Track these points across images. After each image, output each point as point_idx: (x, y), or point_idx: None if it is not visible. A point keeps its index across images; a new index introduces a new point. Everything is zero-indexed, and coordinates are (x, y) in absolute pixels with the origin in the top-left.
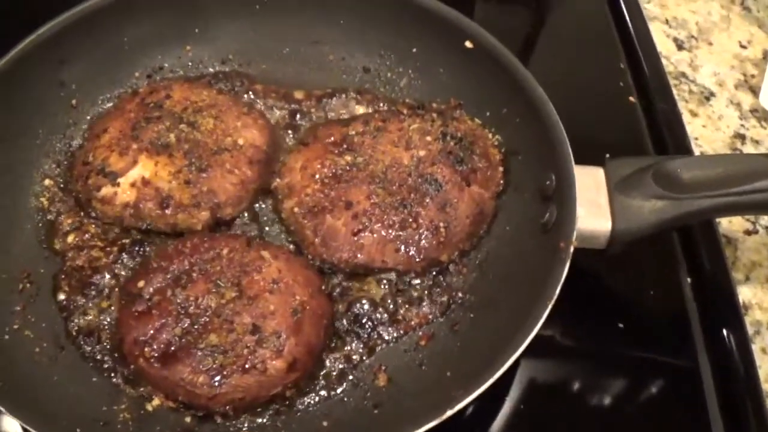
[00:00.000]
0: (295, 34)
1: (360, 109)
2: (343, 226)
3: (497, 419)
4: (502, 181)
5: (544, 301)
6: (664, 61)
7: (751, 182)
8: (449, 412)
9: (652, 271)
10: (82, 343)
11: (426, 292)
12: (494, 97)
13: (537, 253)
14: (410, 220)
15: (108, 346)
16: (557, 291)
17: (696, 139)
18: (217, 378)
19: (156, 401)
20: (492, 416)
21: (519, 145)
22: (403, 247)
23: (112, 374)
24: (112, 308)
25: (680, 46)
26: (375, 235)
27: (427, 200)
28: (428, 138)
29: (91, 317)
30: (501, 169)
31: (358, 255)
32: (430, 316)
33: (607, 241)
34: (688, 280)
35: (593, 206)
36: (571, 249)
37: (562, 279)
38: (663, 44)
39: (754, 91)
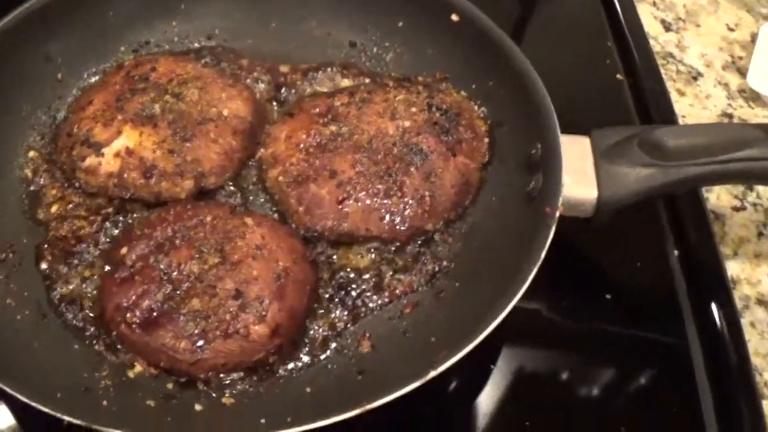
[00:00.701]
0: (281, 10)
1: (346, 83)
2: (328, 195)
3: (484, 389)
4: (487, 152)
5: (529, 266)
6: (651, 42)
7: (736, 151)
8: (432, 374)
9: (640, 244)
10: (64, 311)
11: (411, 260)
12: (480, 69)
13: (522, 222)
14: (395, 188)
15: (90, 314)
16: (542, 255)
17: (683, 117)
18: (200, 343)
19: (138, 368)
20: (479, 386)
21: (505, 117)
22: (387, 216)
23: (94, 341)
24: (95, 277)
25: (668, 28)
26: (359, 204)
27: (412, 169)
28: (413, 109)
29: (73, 286)
30: (486, 140)
31: (343, 223)
32: (415, 285)
33: (593, 208)
34: (676, 253)
35: (579, 174)
36: (557, 214)
37: (548, 243)
38: (651, 25)
39: (742, 73)
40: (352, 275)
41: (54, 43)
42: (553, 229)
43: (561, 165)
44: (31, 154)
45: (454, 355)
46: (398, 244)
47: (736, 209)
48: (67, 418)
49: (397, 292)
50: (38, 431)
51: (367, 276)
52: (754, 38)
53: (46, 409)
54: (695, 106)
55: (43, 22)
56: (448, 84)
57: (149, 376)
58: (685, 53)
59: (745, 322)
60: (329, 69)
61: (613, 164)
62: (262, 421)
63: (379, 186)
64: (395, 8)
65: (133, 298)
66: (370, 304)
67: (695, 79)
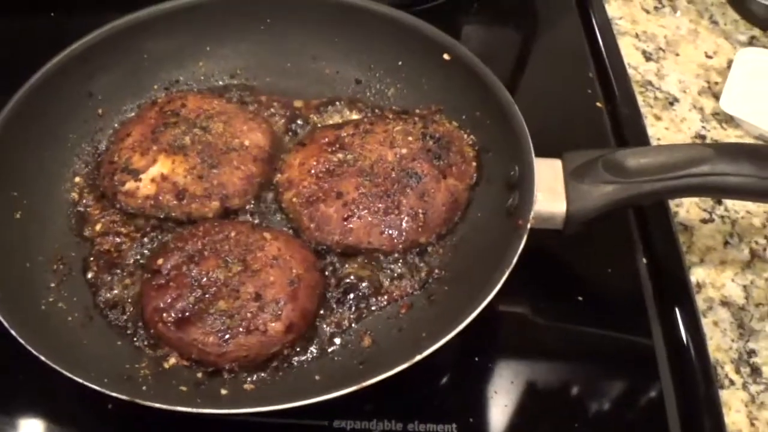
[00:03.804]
0: (295, 51)
1: (353, 116)
2: (335, 213)
3: (467, 379)
4: (475, 175)
5: (502, 270)
6: (632, 71)
7: (687, 168)
8: (418, 357)
9: (611, 252)
10: (108, 313)
11: (407, 269)
12: (469, 101)
13: (502, 234)
14: (393, 207)
15: (131, 316)
16: (514, 261)
17: (659, 139)
18: (225, 338)
19: (172, 360)
20: (463, 376)
21: (490, 144)
22: (387, 231)
23: (134, 338)
24: (134, 284)
25: (648, 58)
26: (362, 220)
27: (408, 190)
28: (410, 138)
29: (116, 292)
30: (474, 164)
31: (348, 237)
32: (410, 289)
33: (563, 221)
34: (644, 260)
35: (550, 192)
36: (528, 226)
37: (519, 251)
38: (632, 56)
39: (717, 97)
40: (355, 281)
41: (95, 82)
42: (525, 238)
43: (534, 184)
44: (77, 179)
45: (435, 343)
46: (396, 254)
47: (705, 221)
48: (114, 394)
49: (395, 295)
50: (87, 418)
51: (368, 282)
52: (730, 64)
53: (97, 388)
54: (670, 129)
55: (85, 64)
56: (442, 115)
57: (182, 366)
58: (663, 81)
59: (708, 321)
60: (338, 103)
61: (580, 182)
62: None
63: (380, 205)
64: (395, 49)
65: (169, 301)
66: (372, 306)
67: (671, 104)
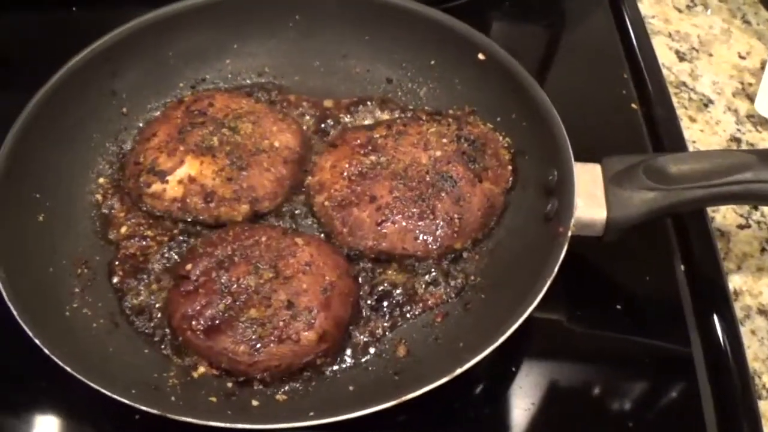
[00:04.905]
0: (324, 49)
1: (384, 116)
2: (368, 218)
3: (509, 390)
4: (510, 179)
5: (544, 279)
6: (665, 72)
7: (730, 175)
8: (459, 371)
9: (649, 260)
10: (134, 319)
11: (442, 275)
12: (504, 103)
13: (540, 241)
14: (428, 212)
15: (158, 323)
16: (555, 270)
17: (694, 142)
18: (256, 347)
19: (201, 369)
20: (503, 388)
21: (526, 146)
22: (421, 236)
23: (162, 346)
24: (162, 290)
25: (682, 58)
26: (396, 225)
27: (443, 195)
28: (444, 140)
29: (142, 297)
30: (510, 167)
31: (382, 243)
32: (445, 297)
33: (603, 228)
34: (682, 267)
35: (590, 197)
36: (569, 234)
37: (560, 259)
38: (665, 56)
39: (751, 99)
40: (389, 288)
41: (119, 80)
42: (566, 246)
43: (574, 190)
44: (101, 180)
45: (477, 355)
46: (431, 260)
47: (741, 227)
48: (142, 407)
49: (430, 303)
50: (113, 428)
51: (402, 289)
52: (764, 65)
53: (124, 400)
54: (705, 131)
55: (108, 61)
56: (476, 117)
57: (211, 376)
58: (698, 81)
59: (746, 330)
60: (369, 103)
61: (620, 188)
62: (311, 413)
63: (414, 209)
64: (428, 47)
65: (198, 308)
66: (406, 314)
67: (706, 106)
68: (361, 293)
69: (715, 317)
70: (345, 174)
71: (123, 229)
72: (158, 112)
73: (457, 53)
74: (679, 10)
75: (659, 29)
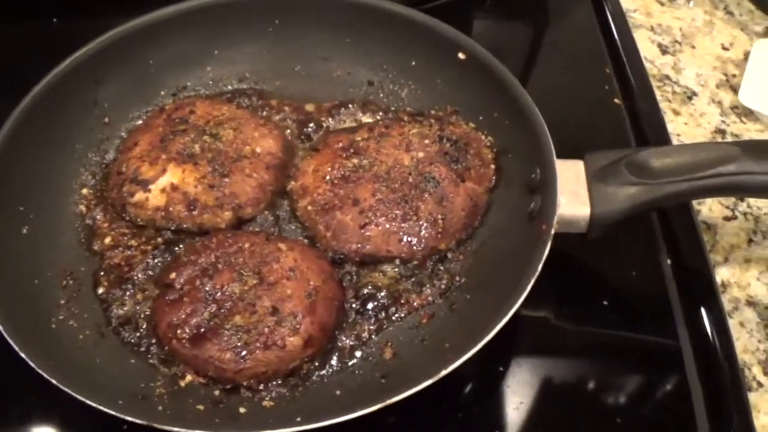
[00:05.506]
0: (305, 53)
1: (365, 119)
2: (352, 221)
3: (496, 389)
4: (494, 178)
5: (528, 277)
6: (648, 65)
7: (713, 168)
8: (443, 372)
9: (635, 254)
10: (120, 330)
11: (427, 277)
12: (486, 102)
13: (524, 239)
14: (411, 213)
15: (144, 332)
16: (539, 268)
17: (678, 135)
18: (242, 354)
19: (188, 378)
20: (491, 387)
21: (509, 145)
22: (405, 238)
23: (148, 356)
24: (147, 299)
25: (664, 51)
26: (380, 228)
27: (426, 196)
28: (426, 141)
29: (128, 308)
30: (493, 166)
31: (366, 246)
32: (431, 298)
33: (587, 224)
34: (668, 261)
35: (573, 194)
36: (552, 231)
37: (544, 257)
38: (648, 50)
39: (735, 90)
40: (374, 291)
41: (101, 89)
42: (549, 244)
43: (556, 187)
44: (84, 191)
45: (463, 355)
46: (415, 262)
47: (727, 219)
48: (129, 418)
49: (415, 305)
50: None
51: (387, 292)
52: (747, 56)
53: (111, 412)
54: (690, 124)
55: (90, 71)
56: (458, 116)
57: (198, 384)
58: (681, 74)
59: (734, 322)
60: (350, 106)
61: (603, 184)
62: (298, 419)
63: (397, 211)
64: (408, 48)
65: (183, 316)
66: (392, 317)
67: (690, 98)
68: (346, 297)
69: (703, 310)
70: (328, 178)
71: (107, 240)
72: (140, 121)
73: (438, 53)
74: (661, 3)
75: (641, 23)
